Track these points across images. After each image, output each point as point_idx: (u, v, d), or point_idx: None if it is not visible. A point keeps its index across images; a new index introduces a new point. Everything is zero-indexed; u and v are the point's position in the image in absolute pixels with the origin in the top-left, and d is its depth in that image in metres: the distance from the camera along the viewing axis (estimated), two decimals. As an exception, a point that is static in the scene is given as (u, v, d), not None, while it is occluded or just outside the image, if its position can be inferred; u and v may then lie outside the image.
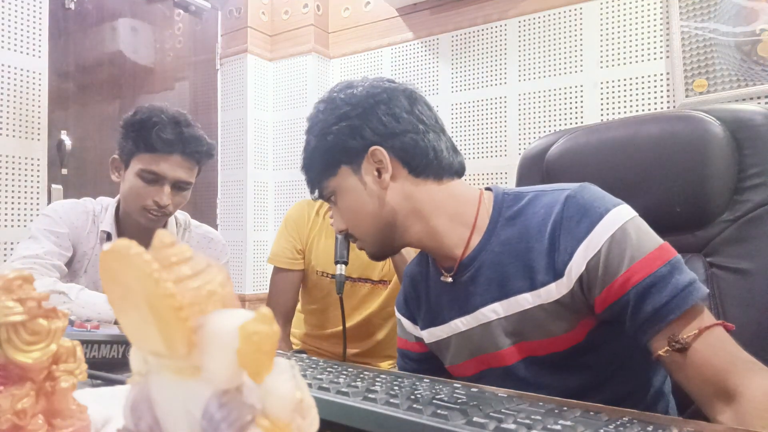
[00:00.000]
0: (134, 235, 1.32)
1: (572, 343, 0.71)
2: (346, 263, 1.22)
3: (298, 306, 1.54)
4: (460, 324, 0.80)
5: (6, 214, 1.82)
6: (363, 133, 0.77)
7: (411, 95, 0.80)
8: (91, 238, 1.31)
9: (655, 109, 1.92)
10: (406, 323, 0.93)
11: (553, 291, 0.70)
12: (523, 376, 0.75)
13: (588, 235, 0.66)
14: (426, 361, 0.91)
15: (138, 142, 1.24)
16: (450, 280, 0.81)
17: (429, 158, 0.77)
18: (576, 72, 2.08)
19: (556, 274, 0.69)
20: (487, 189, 0.82)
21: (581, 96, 2.06)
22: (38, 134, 1.90)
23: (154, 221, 1.28)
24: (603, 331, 0.72)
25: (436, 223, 0.79)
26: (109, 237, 1.31)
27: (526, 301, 0.72)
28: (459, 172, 0.82)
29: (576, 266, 0.67)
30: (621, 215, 0.67)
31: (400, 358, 0.97)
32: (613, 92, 2.01)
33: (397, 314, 0.96)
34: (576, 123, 2.07)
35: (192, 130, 1.27)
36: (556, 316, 0.71)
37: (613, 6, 2.01)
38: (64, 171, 2.04)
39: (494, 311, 0.75)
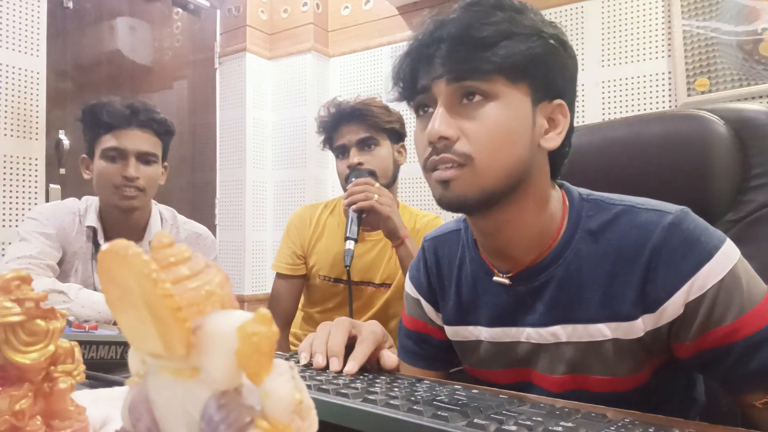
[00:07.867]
0: (117, 228, 1.33)
1: (636, 384, 0.64)
2: (356, 240, 1.25)
3: (300, 308, 1.54)
4: (503, 334, 0.70)
5: (4, 214, 1.81)
6: (564, 74, 0.65)
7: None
8: (80, 238, 1.31)
9: (657, 108, 1.92)
10: (427, 307, 0.80)
11: (638, 327, 0.61)
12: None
13: (694, 274, 0.58)
14: (448, 351, 0.80)
15: (95, 126, 1.29)
16: (507, 282, 0.68)
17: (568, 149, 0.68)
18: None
19: (645, 308, 0.61)
20: (559, 185, 0.71)
21: (582, 95, 2.05)
22: (36, 134, 1.89)
23: (129, 199, 1.29)
24: (665, 370, 0.66)
25: (529, 216, 0.66)
26: (95, 232, 1.32)
27: (599, 332, 0.63)
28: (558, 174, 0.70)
29: (673, 306, 0.59)
30: (730, 256, 0.59)
31: (413, 343, 0.83)
32: (614, 91, 2.00)
33: (415, 293, 0.82)
34: (577, 122, 2.06)
35: (144, 104, 1.33)
36: (629, 354, 0.63)
37: (614, 5, 2.01)
38: (62, 171, 2.03)
39: (554, 334, 0.66)
